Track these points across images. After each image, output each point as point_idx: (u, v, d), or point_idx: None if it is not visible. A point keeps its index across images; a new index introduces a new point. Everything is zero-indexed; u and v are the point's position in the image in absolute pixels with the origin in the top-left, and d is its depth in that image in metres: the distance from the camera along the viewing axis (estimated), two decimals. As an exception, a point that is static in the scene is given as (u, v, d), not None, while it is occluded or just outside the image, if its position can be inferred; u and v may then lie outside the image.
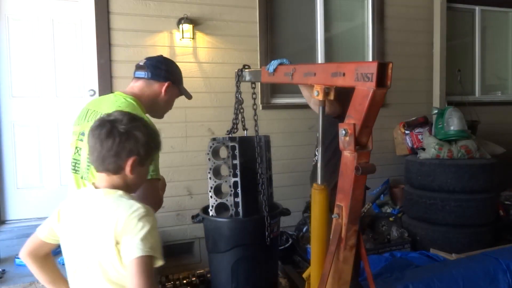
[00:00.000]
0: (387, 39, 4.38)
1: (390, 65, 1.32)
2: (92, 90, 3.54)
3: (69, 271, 1.34)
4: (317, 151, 2.59)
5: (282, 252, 3.17)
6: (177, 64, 1.95)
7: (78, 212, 1.31)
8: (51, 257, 1.48)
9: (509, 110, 5.06)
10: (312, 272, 1.78)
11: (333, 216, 1.52)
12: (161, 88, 1.81)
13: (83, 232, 1.28)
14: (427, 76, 4.56)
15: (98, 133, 1.27)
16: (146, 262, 1.16)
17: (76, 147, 1.73)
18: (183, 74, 1.97)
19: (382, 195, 4.15)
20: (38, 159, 3.49)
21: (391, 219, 3.66)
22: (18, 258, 2.74)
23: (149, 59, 1.87)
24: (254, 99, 2.20)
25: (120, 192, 1.29)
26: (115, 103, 1.71)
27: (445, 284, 2.34)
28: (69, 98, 3.54)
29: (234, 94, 2.22)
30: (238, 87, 2.22)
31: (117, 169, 1.29)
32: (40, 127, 3.49)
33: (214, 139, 2.38)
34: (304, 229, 3.46)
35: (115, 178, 1.30)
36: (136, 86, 1.82)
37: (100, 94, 3.48)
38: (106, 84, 3.47)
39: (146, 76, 1.81)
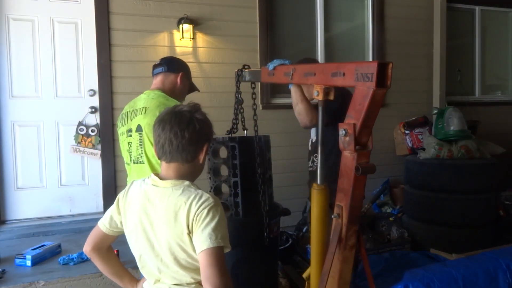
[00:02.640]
0: (387, 39, 4.38)
1: (390, 65, 1.31)
2: (92, 90, 3.54)
3: (136, 255, 1.41)
4: (315, 157, 2.59)
5: (282, 252, 3.16)
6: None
7: (145, 201, 1.35)
8: (112, 249, 1.53)
9: (509, 110, 5.06)
10: (312, 272, 1.78)
11: (333, 216, 1.51)
12: (177, 78, 2.14)
13: (152, 220, 1.32)
14: (427, 76, 4.56)
15: (178, 122, 1.29)
16: (218, 252, 1.23)
17: (128, 143, 2.03)
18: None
19: (382, 195, 4.15)
20: (38, 159, 3.49)
21: (391, 219, 3.65)
22: (18, 258, 2.73)
23: (162, 58, 2.24)
24: (254, 99, 2.19)
25: (187, 182, 1.33)
26: (147, 98, 2.03)
27: (445, 284, 2.33)
28: (69, 98, 3.54)
29: (234, 94, 2.22)
30: (238, 87, 2.22)
31: (193, 157, 1.34)
32: (40, 127, 3.49)
33: (214, 139, 2.38)
34: (304, 229, 3.45)
35: (186, 167, 1.34)
36: (157, 81, 2.14)
37: (100, 94, 3.49)
38: (106, 84, 3.47)
39: (163, 70, 2.13)
